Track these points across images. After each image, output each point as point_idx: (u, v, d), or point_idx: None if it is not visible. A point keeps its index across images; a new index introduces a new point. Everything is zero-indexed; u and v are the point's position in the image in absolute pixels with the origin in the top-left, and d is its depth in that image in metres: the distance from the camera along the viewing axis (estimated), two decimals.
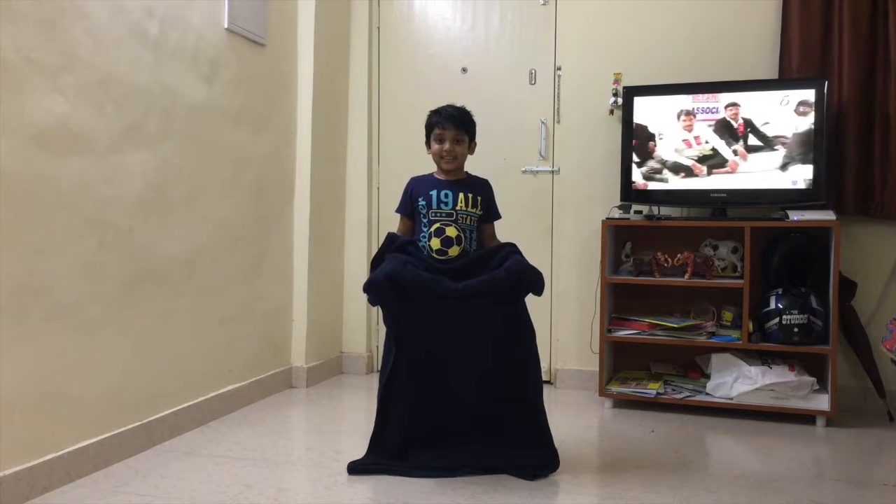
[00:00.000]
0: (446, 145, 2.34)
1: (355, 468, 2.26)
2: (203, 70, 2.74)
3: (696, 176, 3.03)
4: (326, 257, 3.59)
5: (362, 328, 3.73)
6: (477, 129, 2.43)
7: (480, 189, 2.41)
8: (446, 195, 2.34)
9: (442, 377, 2.26)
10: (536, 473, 2.22)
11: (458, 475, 2.22)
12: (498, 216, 2.48)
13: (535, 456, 2.26)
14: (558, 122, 3.47)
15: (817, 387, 2.85)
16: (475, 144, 2.43)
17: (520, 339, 2.26)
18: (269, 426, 2.78)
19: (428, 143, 2.41)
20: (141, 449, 2.42)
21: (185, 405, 2.65)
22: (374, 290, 2.23)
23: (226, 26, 2.85)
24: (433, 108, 2.41)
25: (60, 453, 2.11)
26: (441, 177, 2.41)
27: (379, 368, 2.49)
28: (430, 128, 2.39)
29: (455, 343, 2.24)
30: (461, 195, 2.35)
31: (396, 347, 2.26)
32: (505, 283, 2.19)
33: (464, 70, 3.61)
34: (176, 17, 2.57)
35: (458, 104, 2.42)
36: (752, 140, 2.98)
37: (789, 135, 2.93)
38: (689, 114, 3.05)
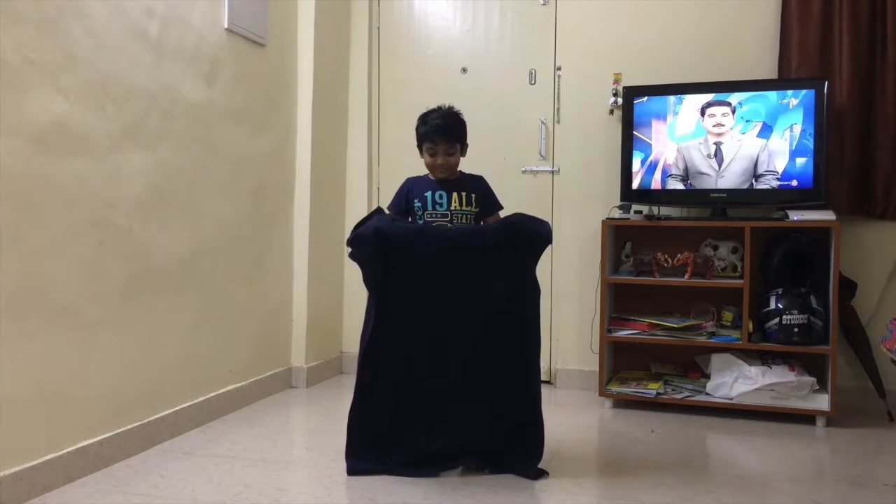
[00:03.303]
0: (439, 160, 2.33)
1: (355, 469, 2.25)
2: (203, 70, 2.74)
3: None
4: (326, 257, 3.58)
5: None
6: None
7: (474, 186, 2.41)
8: (441, 196, 2.36)
9: (432, 344, 2.18)
10: (539, 472, 2.22)
11: (458, 464, 2.22)
12: (499, 206, 2.46)
13: (525, 438, 2.22)
14: (558, 122, 3.46)
15: (817, 387, 2.85)
16: (468, 146, 2.41)
17: (522, 301, 2.21)
18: (269, 426, 2.78)
19: (420, 150, 2.40)
20: (141, 449, 2.42)
21: (185, 405, 2.65)
22: (361, 244, 2.18)
23: (226, 26, 2.84)
24: (432, 108, 2.38)
25: (60, 453, 2.11)
26: (435, 177, 2.41)
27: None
28: (420, 138, 2.38)
29: (448, 305, 2.17)
30: (455, 195, 2.36)
31: (377, 309, 2.20)
32: (501, 232, 2.22)
33: (464, 70, 3.61)
34: (176, 17, 2.57)
35: (455, 105, 2.39)
36: None
37: None
38: None
